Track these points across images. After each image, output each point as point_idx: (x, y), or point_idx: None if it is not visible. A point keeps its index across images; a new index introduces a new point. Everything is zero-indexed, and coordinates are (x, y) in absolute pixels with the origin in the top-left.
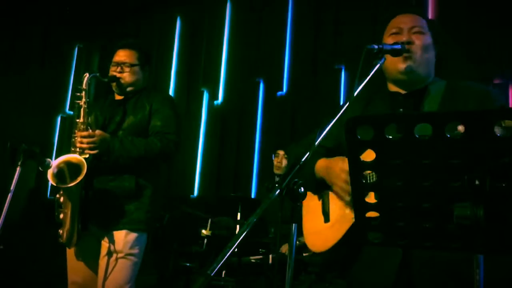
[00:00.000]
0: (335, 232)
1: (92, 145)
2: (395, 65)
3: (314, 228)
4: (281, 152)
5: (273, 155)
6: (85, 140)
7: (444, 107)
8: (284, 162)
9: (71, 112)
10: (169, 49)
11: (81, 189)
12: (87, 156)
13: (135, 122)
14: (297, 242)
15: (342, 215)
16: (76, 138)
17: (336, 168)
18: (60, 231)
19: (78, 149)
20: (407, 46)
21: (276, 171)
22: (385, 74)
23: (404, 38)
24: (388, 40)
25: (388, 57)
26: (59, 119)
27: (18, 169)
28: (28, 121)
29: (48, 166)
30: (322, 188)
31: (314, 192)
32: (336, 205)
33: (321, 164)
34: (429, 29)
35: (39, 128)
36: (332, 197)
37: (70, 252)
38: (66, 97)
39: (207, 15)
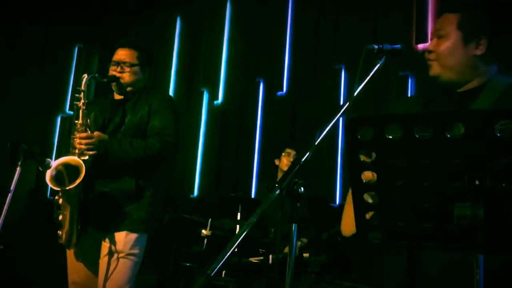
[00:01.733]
0: None
1: (90, 146)
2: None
3: (350, 213)
4: (292, 152)
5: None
6: (83, 141)
7: (497, 106)
8: None
9: (71, 112)
10: (169, 49)
11: (80, 192)
12: (86, 157)
13: (134, 122)
14: (299, 243)
15: None
16: (75, 139)
17: None
18: (60, 232)
19: (77, 150)
20: (426, 54)
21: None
22: None
23: (429, 47)
24: None
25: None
26: (59, 119)
27: (18, 169)
28: (28, 121)
29: (48, 166)
30: None
31: None
32: None
33: None
34: (458, 27)
35: (39, 128)
36: None
37: (70, 253)
38: (66, 97)
39: (207, 15)
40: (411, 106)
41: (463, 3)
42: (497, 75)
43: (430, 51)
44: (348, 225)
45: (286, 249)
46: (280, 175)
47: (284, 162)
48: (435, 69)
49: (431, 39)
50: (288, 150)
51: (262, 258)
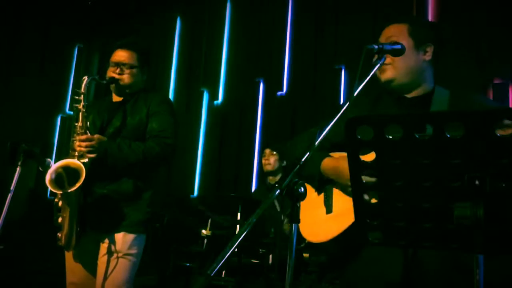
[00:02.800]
0: (340, 223)
1: (90, 149)
2: (379, 76)
3: (314, 219)
4: (267, 151)
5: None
6: (83, 143)
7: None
8: (272, 159)
9: (71, 112)
10: (169, 49)
11: (79, 194)
12: (86, 160)
13: (133, 124)
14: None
15: (348, 208)
16: (74, 142)
17: (346, 170)
18: (59, 235)
19: (77, 153)
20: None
21: (267, 169)
22: None
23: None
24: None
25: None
26: (59, 119)
27: (18, 169)
28: (28, 121)
29: (48, 166)
30: (325, 184)
31: (317, 188)
32: (342, 198)
33: (329, 164)
34: (409, 35)
35: (39, 128)
36: (336, 190)
37: (69, 254)
38: (66, 97)
39: (207, 15)
40: (361, 108)
41: (409, 16)
42: (438, 87)
43: (384, 57)
44: (307, 230)
45: (287, 226)
46: (268, 176)
47: (264, 163)
48: (389, 73)
49: None
50: (265, 150)
51: (260, 252)
